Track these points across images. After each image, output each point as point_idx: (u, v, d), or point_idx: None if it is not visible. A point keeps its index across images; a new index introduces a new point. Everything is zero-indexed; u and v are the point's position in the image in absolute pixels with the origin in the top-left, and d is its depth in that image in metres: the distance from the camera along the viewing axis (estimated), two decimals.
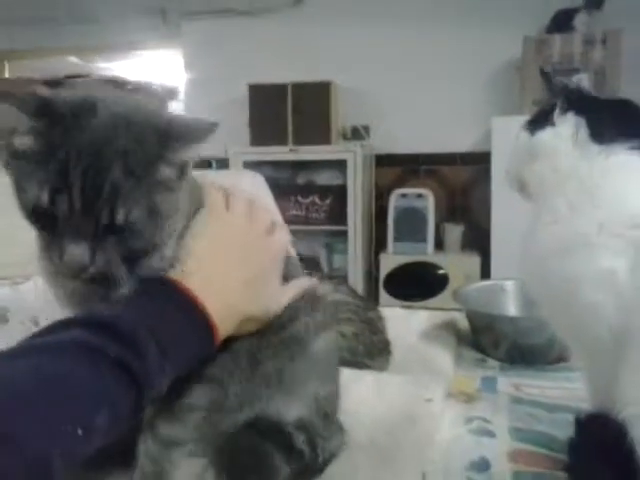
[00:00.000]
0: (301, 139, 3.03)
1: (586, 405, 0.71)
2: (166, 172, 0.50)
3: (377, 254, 3.12)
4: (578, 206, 0.63)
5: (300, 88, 3.03)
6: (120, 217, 0.47)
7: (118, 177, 0.46)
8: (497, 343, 1.06)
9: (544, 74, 0.71)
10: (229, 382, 0.58)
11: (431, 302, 2.81)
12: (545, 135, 0.68)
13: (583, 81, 2.57)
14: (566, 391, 0.89)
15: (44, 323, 0.73)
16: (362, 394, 0.82)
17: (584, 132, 0.66)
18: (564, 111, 0.69)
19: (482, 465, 0.66)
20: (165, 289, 0.51)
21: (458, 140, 3.12)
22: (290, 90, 3.04)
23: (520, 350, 1.03)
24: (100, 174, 0.45)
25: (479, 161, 2.97)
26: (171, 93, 1.51)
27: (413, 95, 3.12)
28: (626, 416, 0.55)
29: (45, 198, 0.45)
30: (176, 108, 1.59)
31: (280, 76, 3.03)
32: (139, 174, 0.47)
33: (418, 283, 2.92)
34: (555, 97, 0.71)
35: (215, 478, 0.57)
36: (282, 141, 3.05)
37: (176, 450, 0.56)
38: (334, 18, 3.20)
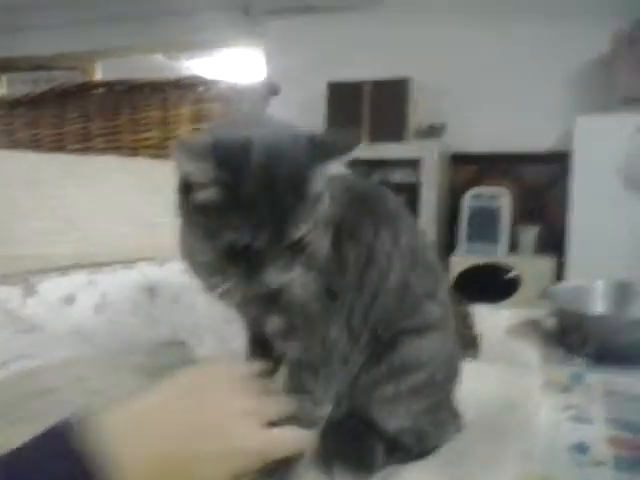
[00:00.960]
0: (377, 137, 3.07)
1: None
2: (318, 187, 0.55)
3: (449, 254, 3.13)
4: None
5: (378, 85, 3.07)
6: (301, 232, 0.53)
7: (293, 201, 0.52)
8: (586, 341, 1.08)
9: None
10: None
11: (503, 305, 2.80)
12: None
13: None
14: None
15: (186, 301, 0.83)
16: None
17: None
18: None
19: (582, 448, 0.70)
20: (65, 439, 0.45)
21: (536, 139, 3.07)
22: (368, 87, 3.08)
23: (611, 349, 1.05)
24: (280, 204, 0.52)
25: (556, 161, 2.93)
26: (272, 90, 1.59)
27: (492, 93, 3.10)
28: None
29: (247, 237, 0.51)
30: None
31: (359, 73, 3.08)
32: (303, 193, 0.53)
33: (490, 285, 2.91)
34: None
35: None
36: None
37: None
38: (414, 15, 3.22)
